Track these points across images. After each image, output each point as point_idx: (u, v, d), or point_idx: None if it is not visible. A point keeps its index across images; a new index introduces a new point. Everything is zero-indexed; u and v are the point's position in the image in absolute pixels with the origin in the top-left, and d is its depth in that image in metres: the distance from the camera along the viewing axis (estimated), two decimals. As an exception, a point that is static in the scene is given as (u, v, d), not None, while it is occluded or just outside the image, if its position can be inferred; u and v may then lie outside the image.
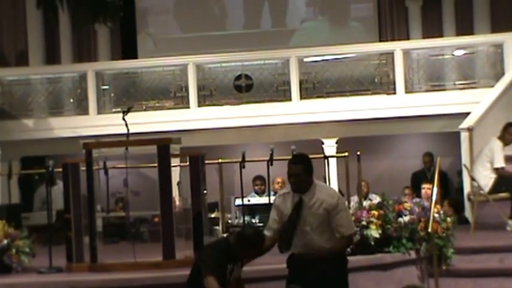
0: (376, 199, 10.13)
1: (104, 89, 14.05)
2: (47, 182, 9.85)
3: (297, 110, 13.37)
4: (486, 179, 10.99)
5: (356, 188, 11.92)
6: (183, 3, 16.07)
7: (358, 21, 15.75)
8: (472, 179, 11.09)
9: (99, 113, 13.90)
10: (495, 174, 10.97)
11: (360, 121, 13.23)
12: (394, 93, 13.36)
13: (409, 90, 13.34)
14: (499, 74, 12.95)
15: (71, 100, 14.16)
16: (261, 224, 11.94)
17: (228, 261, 6.34)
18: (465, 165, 11.42)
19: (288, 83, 13.55)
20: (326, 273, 6.49)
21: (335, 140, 13.30)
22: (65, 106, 14.16)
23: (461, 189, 12.02)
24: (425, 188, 12.26)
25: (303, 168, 6.54)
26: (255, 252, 6.51)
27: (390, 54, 13.43)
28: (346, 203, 6.70)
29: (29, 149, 13.94)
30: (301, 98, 13.49)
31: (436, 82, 13.40)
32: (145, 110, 13.75)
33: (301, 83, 13.52)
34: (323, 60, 13.66)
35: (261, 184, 13.02)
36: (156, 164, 8.63)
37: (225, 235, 11.69)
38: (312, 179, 6.59)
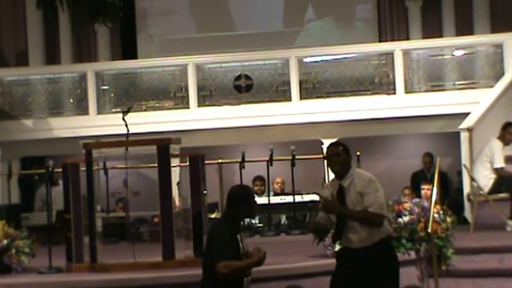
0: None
1: (103, 89, 14.05)
2: (47, 182, 9.85)
3: (297, 110, 13.37)
4: (486, 179, 11.00)
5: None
6: (183, 4, 16.08)
7: (358, 21, 15.76)
8: (472, 179, 11.09)
9: (99, 113, 13.90)
10: (495, 175, 10.97)
11: (360, 121, 13.23)
12: (394, 93, 13.36)
13: (408, 90, 13.34)
14: (499, 74, 12.96)
15: (71, 100, 14.17)
16: (260, 225, 11.96)
17: (235, 232, 6.29)
18: (465, 166, 11.42)
19: (288, 83, 13.55)
20: (373, 268, 6.45)
21: (335, 140, 13.29)
22: (65, 106, 14.16)
23: (461, 189, 12.03)
24: (425, 188, 12.27)
25: (342, 148, 6.61)
26: (251, 205, 6.42)
27: (390, 55, 13.43)
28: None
29: (29, 149, 13.95)
30: (301, 98, 13.49)
31: (435, 82, 13.40)
32: (145, 110, 13.75)
33: (301, 83, 13.52)
34: (323, 60, 13.65)
35: (261, 185, 13.02)
36: (156, 164, 8.63)
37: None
38: (351, 165, 6.64)
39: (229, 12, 15.97)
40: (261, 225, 11.98)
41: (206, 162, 9.32)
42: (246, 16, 15.90)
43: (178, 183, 9.41)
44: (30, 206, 13.52)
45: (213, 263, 6.12)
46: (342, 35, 15.33)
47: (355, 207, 6.50)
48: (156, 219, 10.41)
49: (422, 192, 12.27)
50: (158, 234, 8.68)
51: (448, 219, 9.02)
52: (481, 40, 13.53)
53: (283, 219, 12.22)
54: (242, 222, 6.68)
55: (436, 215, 8.79)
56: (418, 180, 13.37)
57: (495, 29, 14.19)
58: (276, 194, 12.76)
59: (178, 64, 13.92)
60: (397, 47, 13.52)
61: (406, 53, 13.40)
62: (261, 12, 15.84)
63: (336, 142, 6.88)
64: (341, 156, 6.60)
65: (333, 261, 8.38)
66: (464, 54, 13.43)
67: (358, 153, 11.06)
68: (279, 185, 13.11)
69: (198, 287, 6.45)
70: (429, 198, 9.15)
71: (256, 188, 13.08)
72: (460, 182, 12.22)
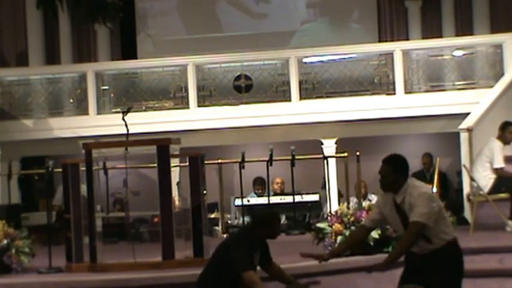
0: (375, 199, 10.13)
1: (103, 90, 14.05)
2: (47, 182, 9.87)
3: (297, 111, 13.37)
4: (486, 180, 10.99)
5: (354, 188, 11.96)
6: (183, 4, 16.08)
7: (358, 21, 15.77)
8: (472, 179, 11.09)
9: (98, 113, 13.90)
10: (495, 175, 10.96)
11: (360, 121, 13.23)
12: (394, 93, 13.36)
13: (408, 90, 13.34)
14: (499, 74, 12.96)
15: (71, 100, 14.17)
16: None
17: (253, 250, 6.49)
18: (464, 166, 11.42)
19: (288, 84, 13.55)
20: (439, 273, 6.40)
21: (334, 140, 13.31)
22: (65, 106, 14.17)
23: (460, 189, 12.03)
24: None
25: (390, 169, 6.55)
26: (274, 230, 6.65)
27: (390, 55, 13.44)
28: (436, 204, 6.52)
29: (29, 150, 13.95)
30: (301, 98, 13.50)
31: (435, 82, 13.40)
32: (145, 111, 13.76)
33: (300, 83, 13.53)
34: (322, 61, 13.66)
35: (261, 188, 13.02)
36: (155, 164, 8.64)
37: (224, 235, 11.75)
38: (405, 180, 6.53)
39: (229, 13, 15.97)
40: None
41: (206, 162, 9.34)
42: (244, 17, 15.91)
43: (178, 183, 9.43)
44: (30, 206, 13.51)
45: (238, 268, 6.31)
46: (340, 36, 15.34)
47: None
48: (156, 219, 10.41)
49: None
50: (158, 234, 8.69)
51: (448, 220, 9.01)
52: (481, 40, 13.53)
53: (283, 219, 12.23)
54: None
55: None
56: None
57: (495, 29, 14.20)
58: (275, 194, 12.77)
59: (178, 64, 13.93)
60: (396, 47, 13.53)
61: (405, 53, 13.40)
62: (260, 13, 15.87)
63: (388, 160, 6.69)
64: (389, 178, 6.55)
65: (333, 261, 8.43)
66: (464, 54, 13.43)
67: (357, 154, 11.06)
68: (279, 185, 13.12)
69: (195, 285, 6.50)
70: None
71: (256, 191, 13.09)
72: (460, 182, 12.22)
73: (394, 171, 6.54)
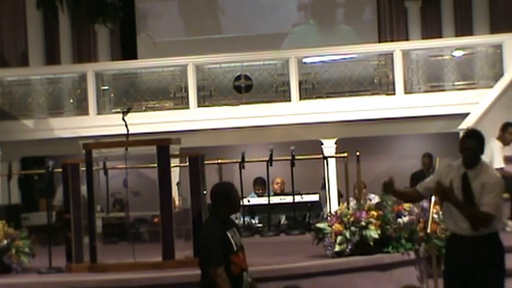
0: (374, 199, 10.14)
1: (103, 90, 14.06)
2: (47, 183, 9.87)
3: (297, 111, 13.38)
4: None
5: (353, 188, 11.97)
6: (183, 5, 16.10)
7: (358, 22, 15.78)
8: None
9: (98, 113, 13.91)
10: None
11: (359, 122, 13.24)
12: (394, 93, 13.38)
13: (408, 90, 13.36)
14: (498, 74, 12.97)
15: (71, 100, 14.18)
16: (260, 225, 11.98)
17: (224, 229, 6.30)
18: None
19: (288, 84, 13.57)
20: (481, 257, 6.44)
21: (334, 140, 13.32)
22: (65, 106, 14.18)
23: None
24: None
25: (475, 142, 6.55)
26: (234, 201, 6.44)
27: (389, 55, 13.45)
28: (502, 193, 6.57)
29: (29, 150, 13.96)
30: (301, 98, 13.51)
31: (435, 83, 13.41)
32: (145, 111, 13.77)
33: (300, 83, 13.54)
34: (322, 61, 13.67)
35: (262, 188, 13.02)
36: (155, 165, 8.65)
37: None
38: (480, 158, 6.57)
39: (229, 14, 15.99)
40: (260, 225, 11.99)
41: (206, 162, 9.33)
42: (246, 18, 15.93)
43: (178, 184, 9.43)
44: (30, 206, 13.52)
45: (204, 265, 6.20)
46: (331, 38, 15.37)
47: (479, 198, 6.44)
48: (156, 220, 10.40)
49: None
50: (158, 234, 8.70)
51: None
52: (481, 41, 13.54)
53: (283, 219, 12.23)
54: (234, 218, 6.69)
55: (435, 216, 8.80)
56: (417, 180, 13.30)
57: (494, 29, 14.22)
58: (275, 194, 12.77)
59: (178, 64, 13.94)
60: (396, 48, 13.54)
61: (405, 53, 13.42)
62: (261, 13, 15.88)
63: (472, 133, 6.70)
64: (472, 151, 6.54)
65: (333, 261, 8.46)
66: (464, 54, 13.44)
67: (357, 154, 11.06)
68: (279, 185, 13.11)
69: (199, 285, 6.48)
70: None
71: (256, 191, 13.09)
72: (460, 183, 12.21)
73: (479, 145, 6.56)
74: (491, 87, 12.73)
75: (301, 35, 15.68)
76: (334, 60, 13.67)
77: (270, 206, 11.84)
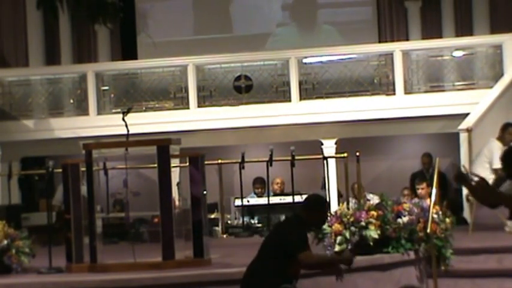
0: (373, 199, 10.15)
1: (103, 90, 14.07)
2: (47, 183, 9.87)
3: (297, 111, 13.39)
4: (484, 180, 10.98)
5: (351, 188, 11.99)
6: (184, 5, 16.10)
7: (357, 22, 15.78)
8: (471, 179, 11.08)
9: (99, 113, 13.92)
10: (494, 175, 10.98)
11: (359, 122, 13.25)
12: (394, 94, 13.38)
13: (408, 91, 13.36)
14: (498, 74, 12.97)
15: (71, 101, 14.19)
16: (260, 225, 11.99)
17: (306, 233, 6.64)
18: (464, 166, 11.38)
19: (288, 84, 13.57)
20: None
21: (334, 140, 13.32)
22: (65, 107, 14.19)
23: (460, 189, 12.04)
24: (419, 188, 12.30)
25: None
26: (324, 214, 6.82)
27: (389, 55, 13.46)
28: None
29: (29, 150, 13.96)
30: (301, 98, 13.51)
31: (435, 83, 13.42)
32: (145, 111, 13.78)
33: (300, 83, 13.54)
34: (322, 62, 13.67)
35: (261, 188, 13.03)
36: (155, 165, 8.65)
37: (224, 235, 11.76)
38: None
39: (230, 14, 15.99)
40: (260, 225, 12.01)
41: (206, 162, 9.34)
42: (246, 18, 15.93)
43: (178, 184, 9.43)
44: (30, 206, 13.53)
45: (294, 252, 6.39)
46: (312, 39, 15.39)
47: None
48: (156, 220, 10.42)
49: (418, 191, 12.30)
50: (158, 234, 8.70)
51: (447, 220, 9.04)
52: (481, 41, 13.54)
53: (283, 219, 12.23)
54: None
55: (435, 216, 8.81)
56: (417, 180, 13.38)
57: (494, 29, 14.21)
58: (275, 195, 12.78)
59: (178, 65, 13.95)
60: (396, 48, 13.55)
61: (405, 53, 13.42)
62: (261, 14, 15.89)
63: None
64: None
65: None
66: (464, 55, 13.45)
67: (357, 154, 11.07)
68: (279, 185, 13.13)
69: (248, 276, 6.56)
70: (424, 197, 9.15)
71: (256, 190, 13.10)
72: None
73: None
74: (491, 87, 12.73)
75: (284, 36, 15.69)
76: (334, 60, 13.66)
77: (269, 206, 11.85)
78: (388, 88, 13.45)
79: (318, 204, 6.71)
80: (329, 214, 6.86)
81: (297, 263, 6.51)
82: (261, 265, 6.52)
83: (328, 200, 7.08)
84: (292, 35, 15.73)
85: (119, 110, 12.25)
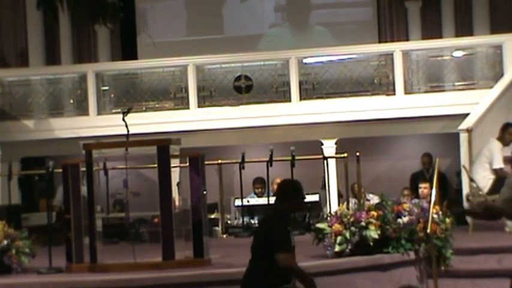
0: (373, 199, 10.15)
1: (103, 90, 14.06)
2: (48, 183, 9.87)
3: (297, 111, 13.38)
4: (485, 180, 11.01)
5: (351, 188, 11.98)
6: (184, 5, 16.10)
7: (357, 22, 15.79)
8: (471, 180, 11.10)
9: (99, 113, 13.92)
10: (494, 175, 10.99)
11: (359, 122, 13.25)
12: (394, 94, 13.38)
13: (408, 91, 13.36)
14: (498, 75, 12.97)
15: (71, 101, 14.18)
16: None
17: (286, 225, 6.51)
18: (464, 166, 11.43)
19: (288, 84, 13.57)
20: None
21: (334, 140, 13.32)
22: (65, 107, 14.18)
23: (460, 190, 12.04)
24: (421, 187, 12.29)
25: None
26: (299, 199, 6.70)
27: (390, 55, 13.45)
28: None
29: (29, 150, 13.96)
30: (301, 99, 13.51)
31: (435, 83, 13.41)
32: (145, 111, 13.77)
33: (300, 84, 13.54)
34: (322, 62, 13.67)
35: (261, 187, 13.03)
36: (156, 165, 8.65)
37: (224, 235, 11.76)
38: None
39: (230, 14, 15.99)
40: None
41: (206, 162, 9.34)
42: (245, 18, 15.94)
43: (178, 184, 9.44)
44: (30, 207, 13.53)
45: (273, 252, 6.30)
46: (304, 40, 15.40)
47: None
48: (156, 220, 10.42)
49: (420, 190, 12.29)
50: (158, 234, 8.70)
51: (447, 220, 9.04)
52: (481, 41, 13.54)
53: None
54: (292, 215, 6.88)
55: (435, 216, 8.81)
56: (417, 180, 13.39)
57: (495, 30, 14.21)
58: (275, 195, 12.76)
59: (178, 65, 13.94)
60: (396, 48, 13.54)
61: (405, 53, 13.42)
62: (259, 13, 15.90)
63: None
64: None
65: (333, 261, 8.46)
66: (464, 55, 13.44)
67: (357, 154, 11.07)
68: (279, 185, 13.10)
69: (247, 277, 6.53)
70: (427, 197, 9.15)
71: (256, 190, 13.10)
72: (459, 183, 12.23)
73: None
74: (491, 87, 12.72)
75: (276, 37, 15.69)
76: (334, 60, 13.66)
77: (269, 206, 11.83)
78: (388, 88, 13.45)
79: (290, 191, 6.65)
80: (304, 197, 6.71)
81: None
82: (254, 266, 6.49)
83: (299, 185, 6.86)
84: (284, 36, 15.73)
85: (119, 110, 12.25)
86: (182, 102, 13.80)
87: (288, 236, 6.44)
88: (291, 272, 6.36)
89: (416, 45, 13.93)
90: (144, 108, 13.83)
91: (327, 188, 12.26)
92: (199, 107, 13.72)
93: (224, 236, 12.03)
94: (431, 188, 11.92)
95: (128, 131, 8.79)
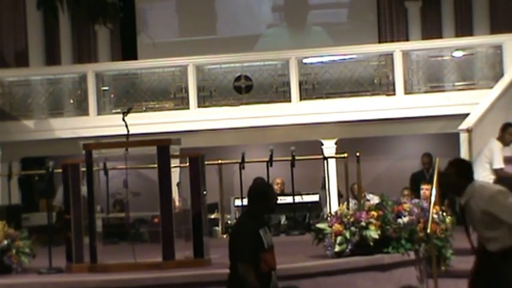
0: (373, 200, 10.15)
1: (103, 90, 14.06)
2: (48, 183, 9.87)
3: (297, 111, 13.39)
4: (485, 180, 10.99)
5: (351, 188, 11.98)
6: (183, 5, 16.10)
7: (358, 22, 15.78)
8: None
9: (99, 114, 13.92)
10: (494, 176, 10.98)
11: (359, 122, 13.25)
12: (394, 94, 13.38)
13: (408, 91, 13.36)
14: (498, 75, 12.97)
15: (71, 101, 14.18)
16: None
17: (257, 227, 6.45)
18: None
19: (288, 84, 13.57)
20: (501, 271, 6.47)
21: (334, 141, 13.32)
22: (65, 107, 14.18)
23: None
24: (423, 188, 12.28)
25: (454, 171, 6.71)
26: (270, 201, 6.63)
27: (390, 56, 13.45)
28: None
29: (29, 150, 13.96)
30: (301, 99, 13.51)
31: (435, 83, 13.41)
32: (145, 111, 13.77)
33: (300, 84, 13.54)
34: (322, 62, 13.67)
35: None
36: (156, 165, 8.65)
37: (224, 235, 11.76)
38: (467, 181, 6.60)
39: (229, 15, 15.99)
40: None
41: (206, 163, 9.34)
42: (244, 18, 15.94)
43: (178, 184, 9.44)
44: (30, 207, 13.53)
45: (235, 260, 6.33)
46: (301, 41, 15.40)
47: (476, 225, 6.50)
48: (156, 220, 10.43)
49: (422, 192, 12.29)
50: (158, 234, 8.71)
51: (447, 220, 9.04)
52: (481, 41, 13.54)
53: (283, 219, 12.25)
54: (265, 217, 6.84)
55: (435, 216, 8.81)
56: (417, 180, 13.38)
57: (494, 30, 14.21)
58: (275, 195, 12.76)
59: (178, 65, 13.94)
60: (396, 48, 13.54)
61: (405, 54, 13.42)
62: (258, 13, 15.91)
63: (452, 162, 6.87)
64: (449, 179, 6.66)
65: (333, 261, 8.46)
66: (464, 55, 13.44)
67: (357, 154, 11.07)
68: (279, 185, 13.12)
69: (229, 277, 6.53)
70: (428, 198, 9.15)
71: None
72: (460, 183, 12.20)
73: (456, 173, 6.71)
74: (491, 87, 12.72)
75: (274, 37, 15.69)
76: (334, 60, 13.66)
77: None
78: (388, 88, 13.45)
79: (259, 194, 6.59)
80: (275, 199, 6.68)
81: (262, 259, 6.38)
82: (232, 267, 6.48)
83: (270, 187, 6.84)
84: (282, 36, 15.73)
85: (119, 110, 12.25)
86: (182, 102, 13.80)
87: (249, 244, 6.33)
88: (245, 283, 6.29)
89: (416, 45, 13.93)
90: (144, 108, 13.82)
91: (327, 188, 12.25)
92: (199, 107, 13.72)
93: (224, 236, 12.02)
94: (432, 188, 11.94)
95: (128, 131, 8.79)
